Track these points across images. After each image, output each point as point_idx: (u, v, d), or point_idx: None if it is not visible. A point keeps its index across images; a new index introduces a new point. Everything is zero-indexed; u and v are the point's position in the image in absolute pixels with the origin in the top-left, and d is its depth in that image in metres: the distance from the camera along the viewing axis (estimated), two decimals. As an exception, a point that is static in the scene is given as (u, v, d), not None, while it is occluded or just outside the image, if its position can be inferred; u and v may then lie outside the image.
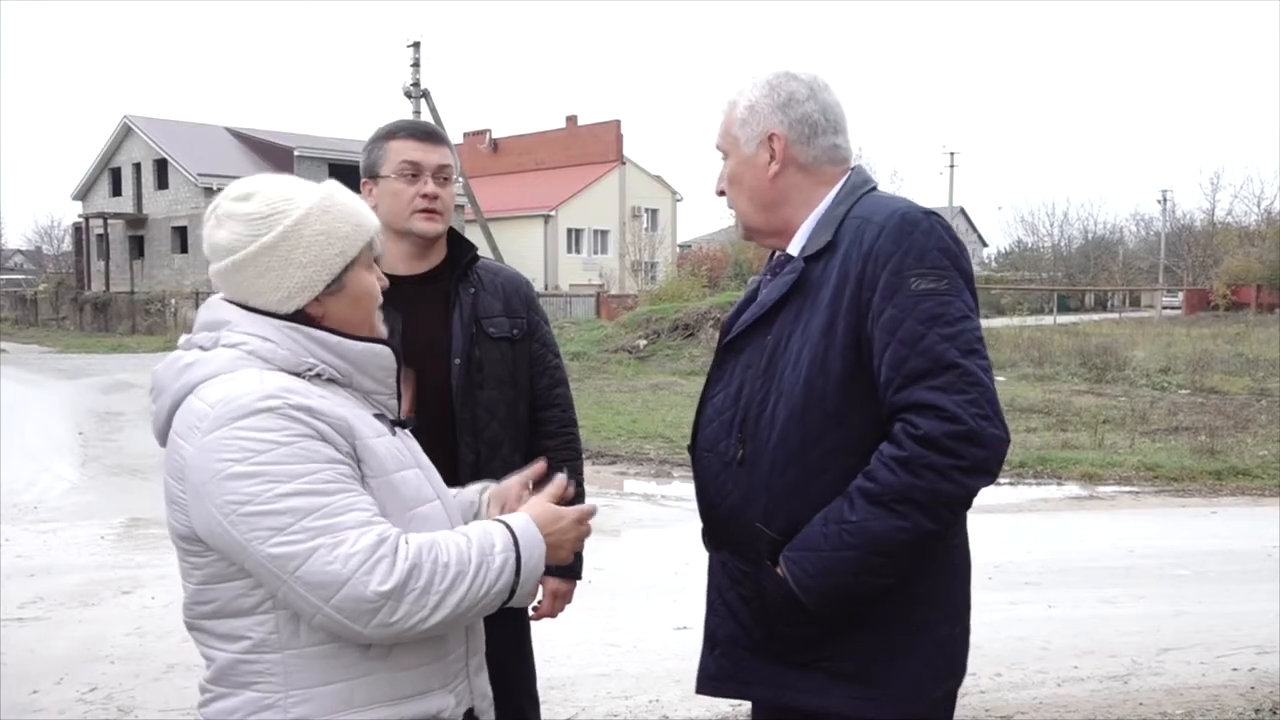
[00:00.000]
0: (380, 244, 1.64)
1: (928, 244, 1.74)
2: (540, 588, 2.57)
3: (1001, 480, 9.29)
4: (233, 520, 1.38)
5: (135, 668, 4.52)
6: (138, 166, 38.87)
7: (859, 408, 1.76)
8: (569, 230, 44.61)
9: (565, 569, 2.54)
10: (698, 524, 2.06)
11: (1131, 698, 4.28)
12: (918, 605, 1.81)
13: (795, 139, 1.88)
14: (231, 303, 1.55)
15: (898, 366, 1.70)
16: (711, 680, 1.97)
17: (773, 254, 2.06)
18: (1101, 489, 9.14)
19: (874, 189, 1.91)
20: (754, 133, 1.90)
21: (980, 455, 1.68)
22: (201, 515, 1.41)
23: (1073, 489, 9.16)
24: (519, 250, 38.50)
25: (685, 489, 9.17)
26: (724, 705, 4.23)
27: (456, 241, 2.52)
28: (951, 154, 55.57)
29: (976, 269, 62.02)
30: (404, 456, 1.59)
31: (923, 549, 1.73)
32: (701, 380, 2.07)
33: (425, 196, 2.37)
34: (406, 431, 1.67)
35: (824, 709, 1.82)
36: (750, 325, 1.90)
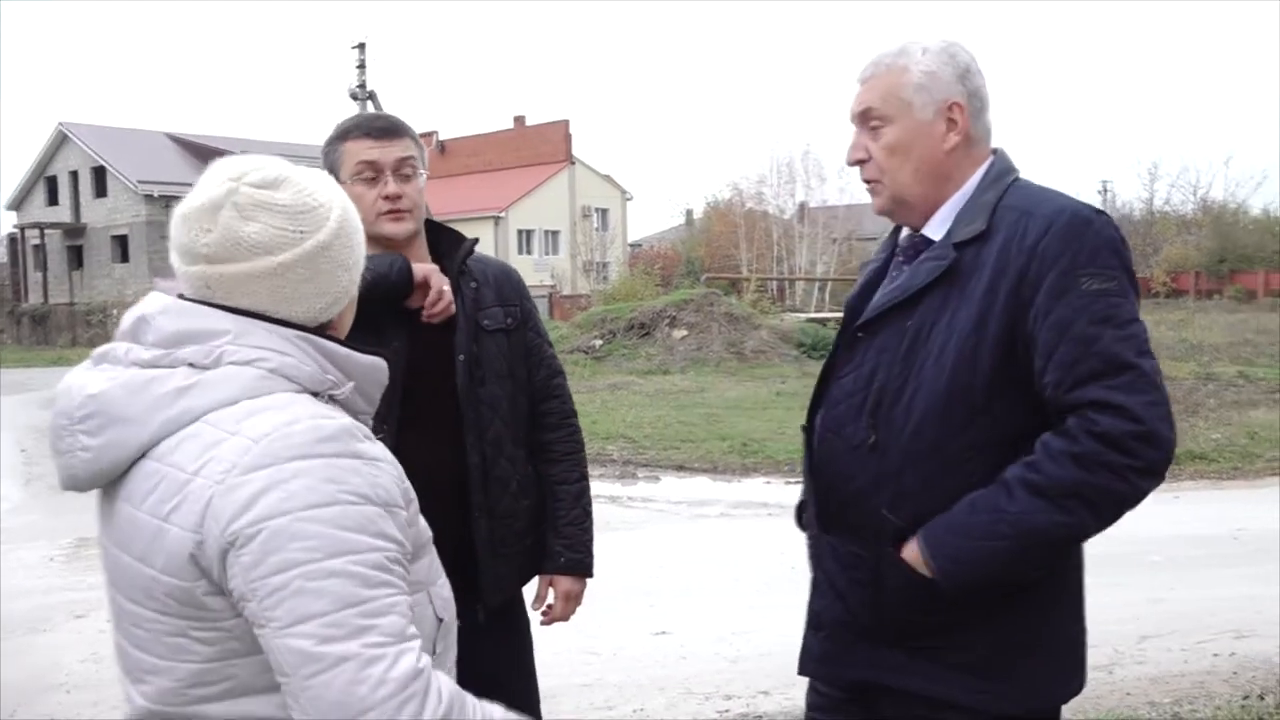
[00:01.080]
0: None
1: (1099, 243, 1.69)
2: (551, 589, 2.46)
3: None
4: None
5: (93, 695, 4.31)
6: (75, 174, 37.88)
7: (1003, 405, 1.71)
8: (519, 231, 44.34)
9: (576, 565, 2.44)
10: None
11: (1118, 688, 4.26)
12: (1044, 601, 1.78)
13: (972, 112, 1.82)
14: (219, 308, 1.26)
15: (1070, 366, 1.64)
16: (816, 662, 1.92)
17: (896, 232, 1.97)
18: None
19: (1018, 177, 1.84)
20: (933, 99, 1.80)
21: (1156, 457, 1.65)
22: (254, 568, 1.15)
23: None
24: (469, 252, 38.05)
25: (651, 490, 9.09)
26: (709, 711, 4.16)
27: (442, 235, 2.38)
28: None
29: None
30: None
31: (1072, 547, 1.70)
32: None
33: (387, 198, 2.19)
34: None
35: (935, 696, 1.77)
36: (889, 309, 1.81)
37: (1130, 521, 1.66)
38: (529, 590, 2.48)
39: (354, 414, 1.35)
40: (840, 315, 2.07)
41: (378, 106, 25.56)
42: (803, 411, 2.01)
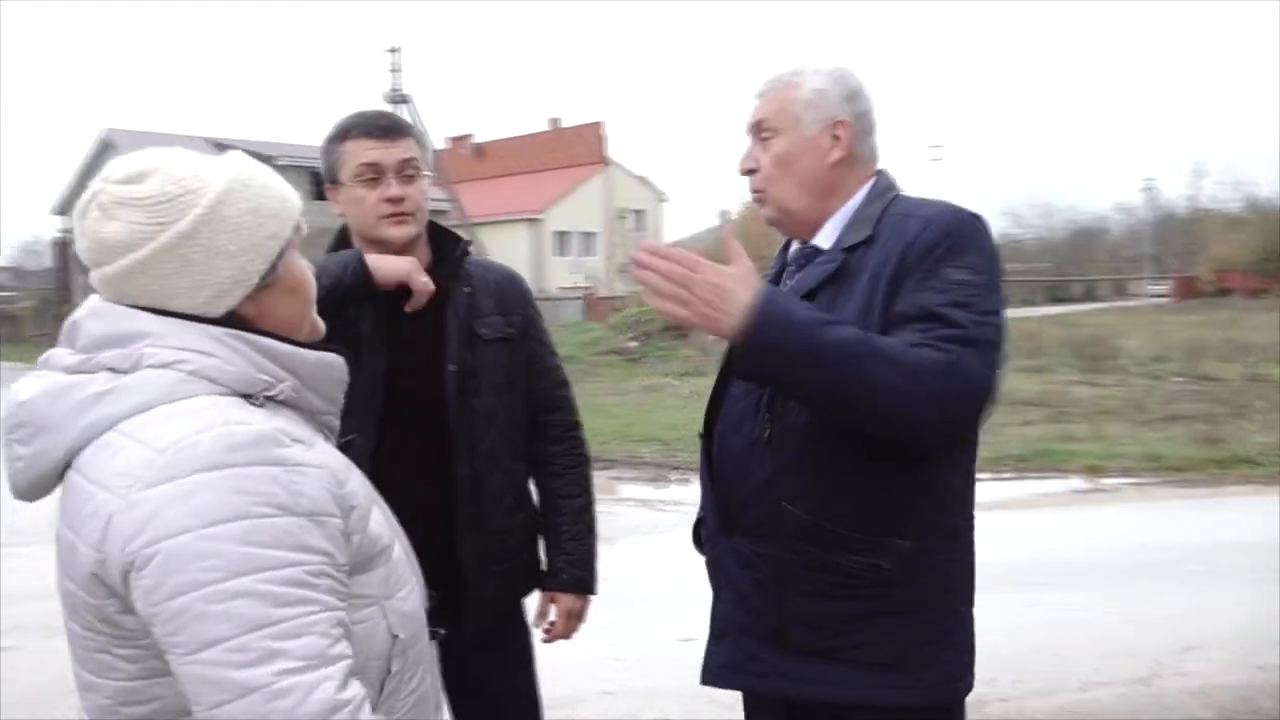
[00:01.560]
0: (305, 225, 1.35)
1: (972, 242, 1.72)
2: (553, 606, 2.39)
3: (1004, 474, 9.18)
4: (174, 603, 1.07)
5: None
6: (118, 180, 38.39)
7: None
8: (555, 233, 44.46)
9: (578, 583, 2.37)
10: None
11: (1157, 701, 4.13)
12: (947, 589, 1.79)
13: (858, 131, 1.88)
14: (143, 309, 1.22)
15: (903, 315, 1.67)
16: (717, 671, 1.88)
17: (786, 246, 2.00)
18: (1105, 481, 9.01)
19: (900, 193, 1.90)
20: (820, 116, 1.86)
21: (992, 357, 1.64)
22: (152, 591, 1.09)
23: (1076, 482, 9.03)
24: (506, 255, 38.18)
25: (683, 493, 9.00)
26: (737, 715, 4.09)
27: (442, 238, 2.31)
28: (937, 146, 55.29)
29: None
30: (369, 491, 1.33)
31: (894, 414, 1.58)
32: (698, 381, 1.99)
33: (390, 200, 2.13)
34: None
35: (850, 702, 1.75)
36: None
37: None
38: (531, 602, 2.41)
39: (311, 413, 1.30)
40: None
41: (413, 110, 25.75)
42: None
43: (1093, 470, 9.29)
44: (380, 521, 1.32)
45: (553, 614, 2.40)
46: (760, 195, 1.90)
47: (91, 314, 1.24)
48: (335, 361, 1.33)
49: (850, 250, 1.80)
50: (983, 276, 1.69)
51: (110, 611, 1.15)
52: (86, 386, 1.18)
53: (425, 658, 1.38)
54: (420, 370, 2.18)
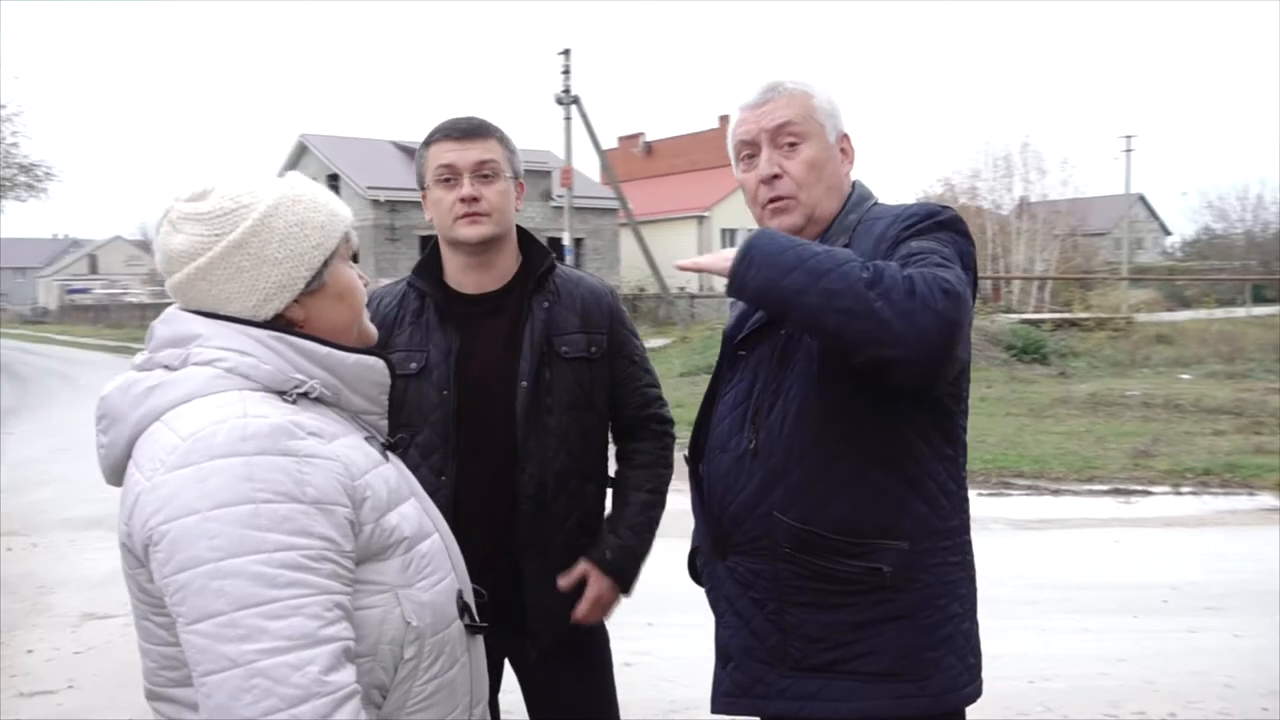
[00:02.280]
0: (355, 237, 1.48)
1: (942, 223, 1.73)
2: (588, 578, 2.23)
3: (1183, 489, 8.56)
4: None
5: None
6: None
7: (870, 389, 1.68)
8: (723, 231, 44.37)
9: (616, 570, 2.23)
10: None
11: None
12: (947, 592, 1.77)
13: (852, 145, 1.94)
14: (198, 314, 1.37)
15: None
16: (727, 697, 1.88)
17: None
18: (1301, 500, 8.25)
19: (877, 201, 1.93)
20: (835, 127, 1.91)
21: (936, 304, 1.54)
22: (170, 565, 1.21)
23: (1267, 500, 8.29)
24: (673, 252, 38.48)
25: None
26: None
27: (532, 247, 2.30)
28: (1128, 137, 52.03)
29: (1158, 259, 57.83)
30: (400, 487, 1.41)
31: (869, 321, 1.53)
32: None
33: (464, 200, 2.14)
34: (395, 456, 1.50)
35: (854, 715, 1.74)
36: (765, 324, 1.85)
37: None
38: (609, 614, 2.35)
39: (353, 413, 1.41)
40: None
41: (582, 110, 26.22)
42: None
43: (1287, 487, 8.53)
44: (411, 516, 1.39)
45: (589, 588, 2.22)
46: (785, 203, 1.86)
47: (163, 319, 1.39)
48: (375, 364, 1.44)
49: None
50: (947, 248, 1.66)
51: (142, 580, 1.27)
52: (145, 381, 1.33)
53: (453, 648, 1.42)
54: (493, 384, 2.17)
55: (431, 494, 2.10)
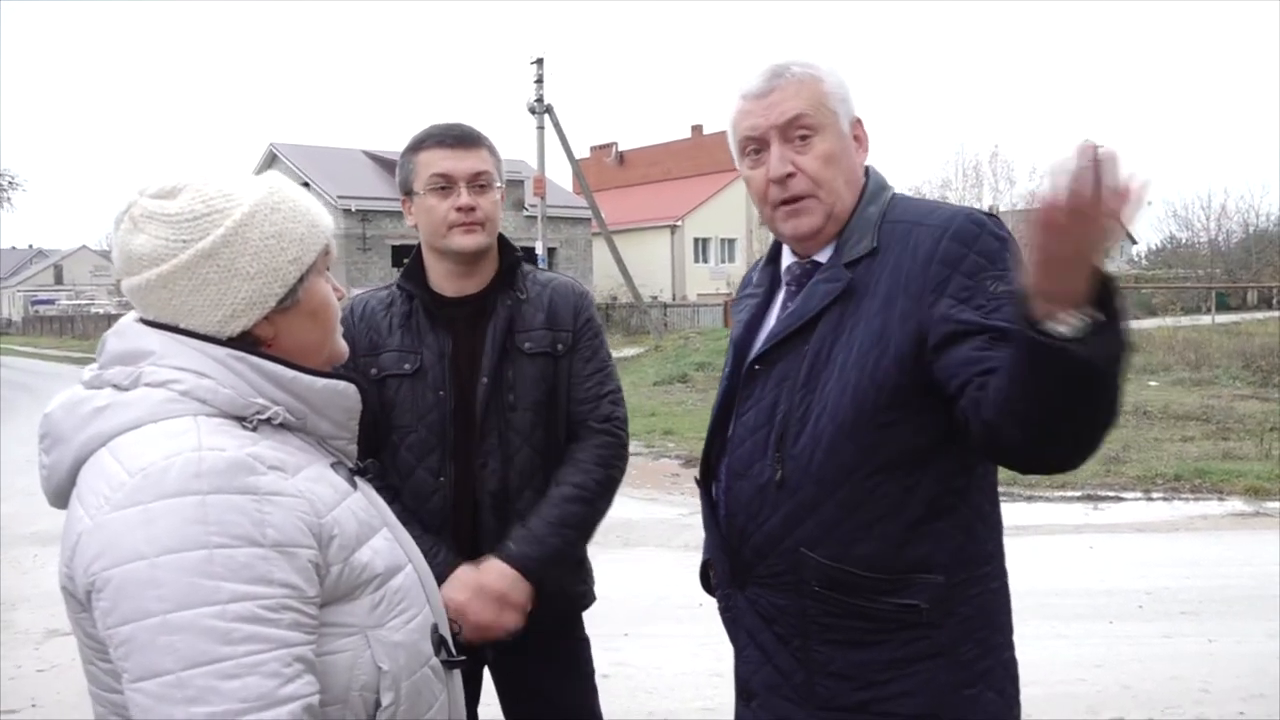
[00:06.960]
0: (335, 248, 1.35)
1: (996, 245, 1.59)
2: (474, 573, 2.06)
3: (1154, 495, 8.62)
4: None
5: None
6: (282, 191, 40.54)
7: (909, 420, 1.58)
8: (695, 240, 44.48)
9: (521, 563, 2.05)
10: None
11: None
12: (986, 624, 1.66)
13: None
14: (154, 325, 1.24)
15: (956, 333, 1.52)
16: None
17: (774, 256, 1.84)
18: (1269, 504, 8.31)
19: (895, 192, 1.76)
20: (848, 112, 1.73)
21: None
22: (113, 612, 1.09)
23: (1236, 504, 8.36)
24: (646, 262, 38.53)
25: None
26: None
27: (505, 252, 2.28)
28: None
29: (1124, 267, 58.64)
30: (372, 518, 1.30)
31: None
32: None
33: (460, 210, 2.12)
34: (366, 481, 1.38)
35: None
36: (787, 337, 1.69)
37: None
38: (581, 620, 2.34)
39: (319, 438, 1.28)
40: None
41: (555, 120, 26.15)
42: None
43: (1255, 492, 8.58)
44: (383, 549, 1.29)
45: (458, 586, 2.03)
46: (803, 204, 1.69)
47: (116, 332, 1.27)
48: (346, 389, 1.32)
49: (854, 264, 1.66)
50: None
51: (86, 625, 1.16)
52: (92, 401, 1.20)
53: (430, 688, 1.33)
54: (466, 385, 2.16)
55: (429, 494, 2.14)
